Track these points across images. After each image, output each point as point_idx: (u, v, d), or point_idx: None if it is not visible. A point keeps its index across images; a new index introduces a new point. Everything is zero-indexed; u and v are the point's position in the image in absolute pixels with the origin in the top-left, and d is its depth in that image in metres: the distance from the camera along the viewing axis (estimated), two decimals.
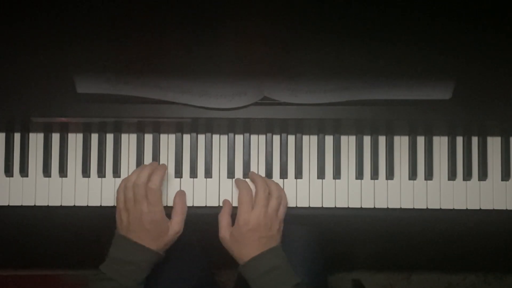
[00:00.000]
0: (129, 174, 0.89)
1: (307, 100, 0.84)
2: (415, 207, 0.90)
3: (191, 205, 0.88)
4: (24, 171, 0.89)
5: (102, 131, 0.89)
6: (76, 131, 0.90)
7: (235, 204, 0.87)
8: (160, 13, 0.84)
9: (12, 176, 0.89)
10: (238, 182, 0.88)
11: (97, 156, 0.89)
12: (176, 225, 0.81)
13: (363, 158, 0.90)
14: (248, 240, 0.80)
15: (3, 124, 0.89)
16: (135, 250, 0.78)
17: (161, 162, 0.89)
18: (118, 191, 0.83)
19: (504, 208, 0.90)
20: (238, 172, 0.90)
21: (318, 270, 0.93)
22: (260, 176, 0.87)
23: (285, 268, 0.79)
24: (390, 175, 0.90)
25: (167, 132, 0.90)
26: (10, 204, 0.89)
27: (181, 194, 0.86)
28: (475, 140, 0.91)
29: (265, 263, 0.79)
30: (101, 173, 0.89)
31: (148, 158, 0.89)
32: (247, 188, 0.84)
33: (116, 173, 0.89)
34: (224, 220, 0.83)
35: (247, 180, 0.88)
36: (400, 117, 0.85)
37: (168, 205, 0.87)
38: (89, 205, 0.89)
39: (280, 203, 0.84)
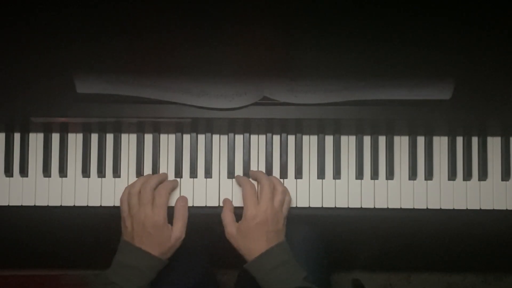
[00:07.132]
0: (129, 175, 0.89)
1: (307, 100, 0.84)
2: (415, 207, 0.89)
3: (191, 205, 0.88)
4: (24, 171, 0.89)
5: (102, 131, 0.89)
6: (76, 131, 0.89)
7: (236, 203, 0.87)
8: (160, 13, 0.84)
9: (12, 176, 0.89)
10: (239, 179, 0.87)
11: (97, 156, 0.89)
12: (177, 231, 0.81)
13: (363, 158, 0.90)
14: (256, 234, 0.80)
15: (3, 124, 0.88)
16: (138, 255, 0.79)
17: (161, 162, 0.89)
18: (121, 199, 0.83)
19: (504, 208, 0.90)
20: (238, 172, 0.90)
21: (322, 270, 0.93)
22: (263, 172, 0.87)
23: (292, 262, 0.79)
24: (390, 175, 0.90)
25: (167, 132, 0.90)
26: (10, 204, 0.89)
27: (182, 200, 0.86)
28: (475, 140, 0.91)
29: (273, 258, 0.79)
30: (101, 173, 0.89)
31: (148, 158, 0.89)
32: (250, 183, 0.85)
33: (116, 173, 0.89)
34: (228, 217, 0.83)
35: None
36: (400, 117, 0.85)
37: (170, 205, 0.87)
38: (89, 205, 0.89)
39: (285, 198, 0.84)
